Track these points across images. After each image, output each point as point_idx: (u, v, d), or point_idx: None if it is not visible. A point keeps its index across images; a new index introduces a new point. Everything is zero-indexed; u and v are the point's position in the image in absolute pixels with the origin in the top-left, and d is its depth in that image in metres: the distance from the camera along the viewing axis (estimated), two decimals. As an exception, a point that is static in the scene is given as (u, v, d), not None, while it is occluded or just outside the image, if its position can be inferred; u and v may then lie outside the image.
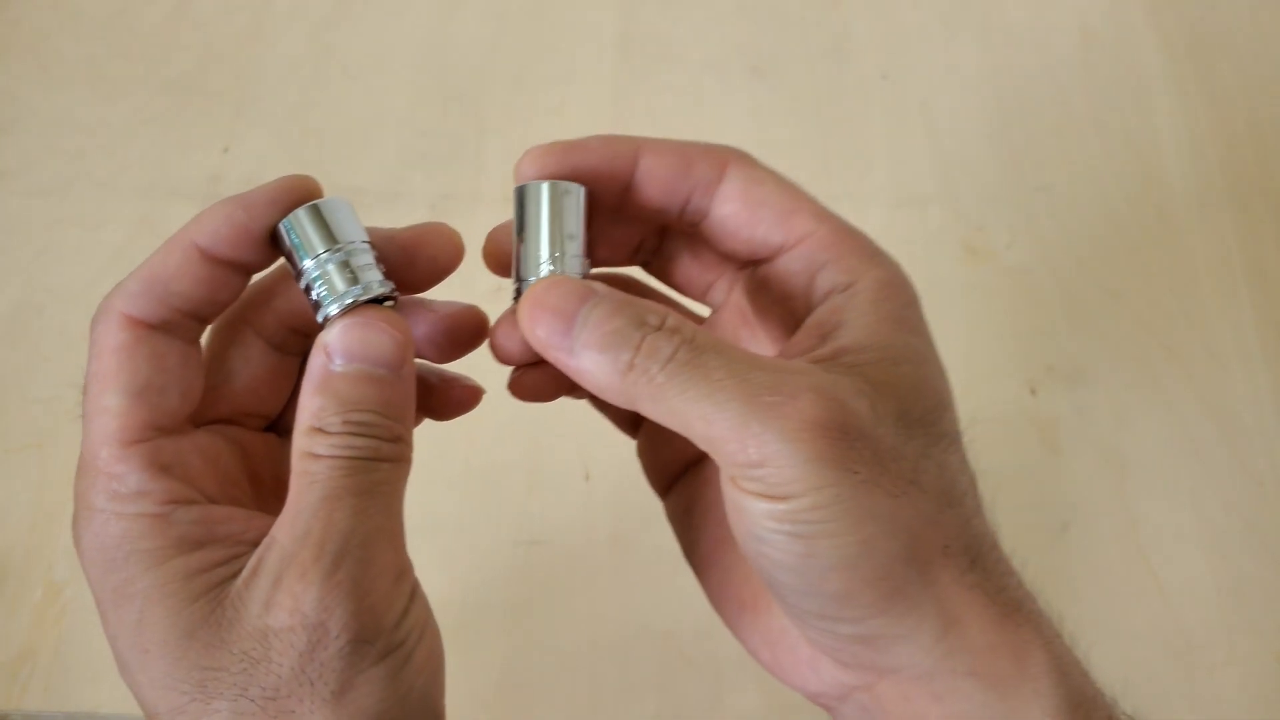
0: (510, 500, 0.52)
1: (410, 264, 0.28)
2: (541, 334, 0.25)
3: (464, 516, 0.51)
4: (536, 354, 0.27)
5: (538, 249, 0.28)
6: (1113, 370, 0.56)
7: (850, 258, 0.28)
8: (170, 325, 0.27)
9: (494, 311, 0.29)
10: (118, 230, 0.59)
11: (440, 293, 0.30)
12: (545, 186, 0.28)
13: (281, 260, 0.28)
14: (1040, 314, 0.58)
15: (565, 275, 0.27)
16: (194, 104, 0.64)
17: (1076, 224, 0.60)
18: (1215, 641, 0.49)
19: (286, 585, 0.24)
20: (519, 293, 0.28)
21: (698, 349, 0.25)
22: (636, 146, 0.29)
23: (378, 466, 0.26)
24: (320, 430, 0.25)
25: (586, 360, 0.25)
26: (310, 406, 0.26)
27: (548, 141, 0.28)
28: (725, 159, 0.29)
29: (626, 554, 0.50)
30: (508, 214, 0.29)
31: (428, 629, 0.26)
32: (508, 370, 0.29)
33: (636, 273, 0.33)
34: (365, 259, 0.27)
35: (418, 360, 0.29)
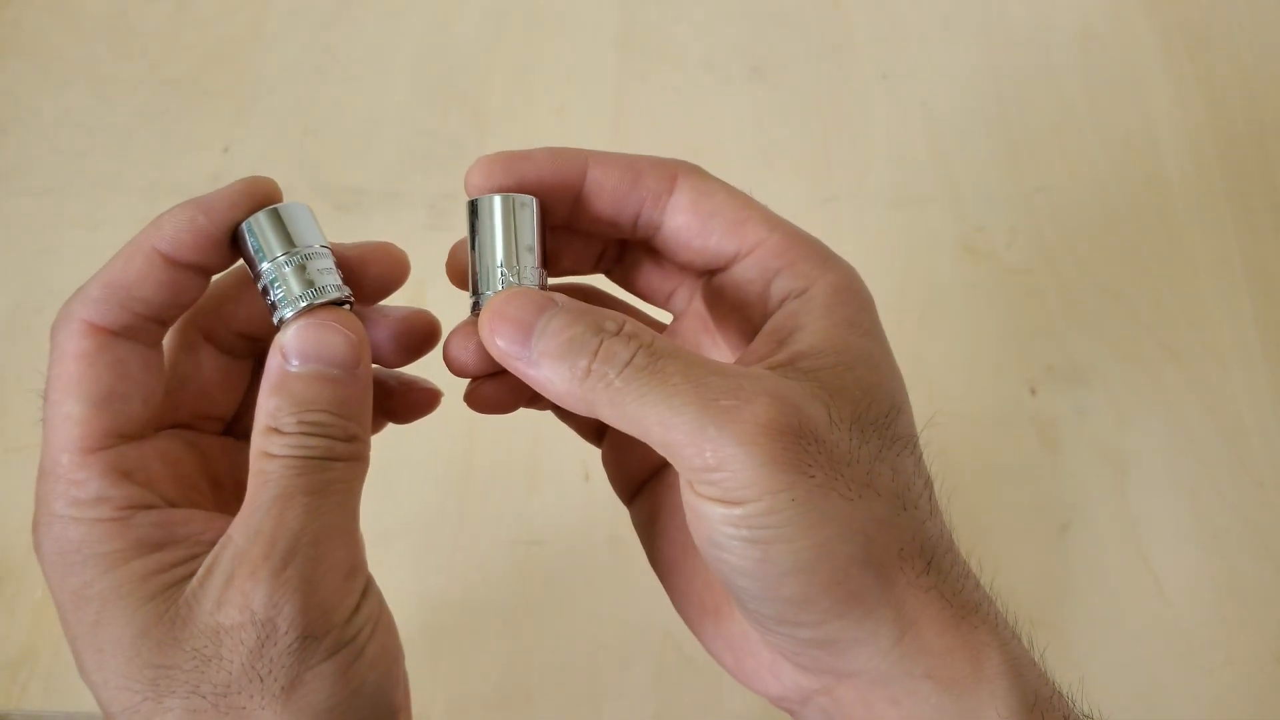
0: (510, 500, 0.52)
1: (355, 282, 0.29)
2: (502, 345, 0.26)
3: (464, 516, 0.51)
4: (491, 365, 0.27)
5: (494, 262, 0.28)
6: (1113, 370, 0.56)
7: (803, 263, 0.28)
8: (132, 330, 0.27)
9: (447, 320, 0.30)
10: (118, 230, 0.59)
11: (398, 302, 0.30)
12: (498, 200, 0.28)
13: (233, 266, 0.29)
14: (1040, 314, 0.58)
15: (523, 287, 0.28)
16: (194, 104, 0.64)
17: (1076, 224, 0.60)
18: (1215, 641, 0.49)
19: (237, 583, 0.24)
20: (476, 306, 0.28)
21: (655, 354, 0.25)
22: (584, 159, 0.29)
23: (331, 465, 0.26)
24: (276, 430, 0.26)
25: (545, 368, 0.25)
26: (266, 407, 0.26)
27: (495, 152, 0.29)
28: (674, 171, 0.29)
29: (626, 554, 0.50)
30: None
31: (380, 624, 0.27)
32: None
33: (600, 281, 0.33)
34: (323, 263, 0.28)
35: (375, 365, 0.29)
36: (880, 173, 0.62)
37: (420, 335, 0.30)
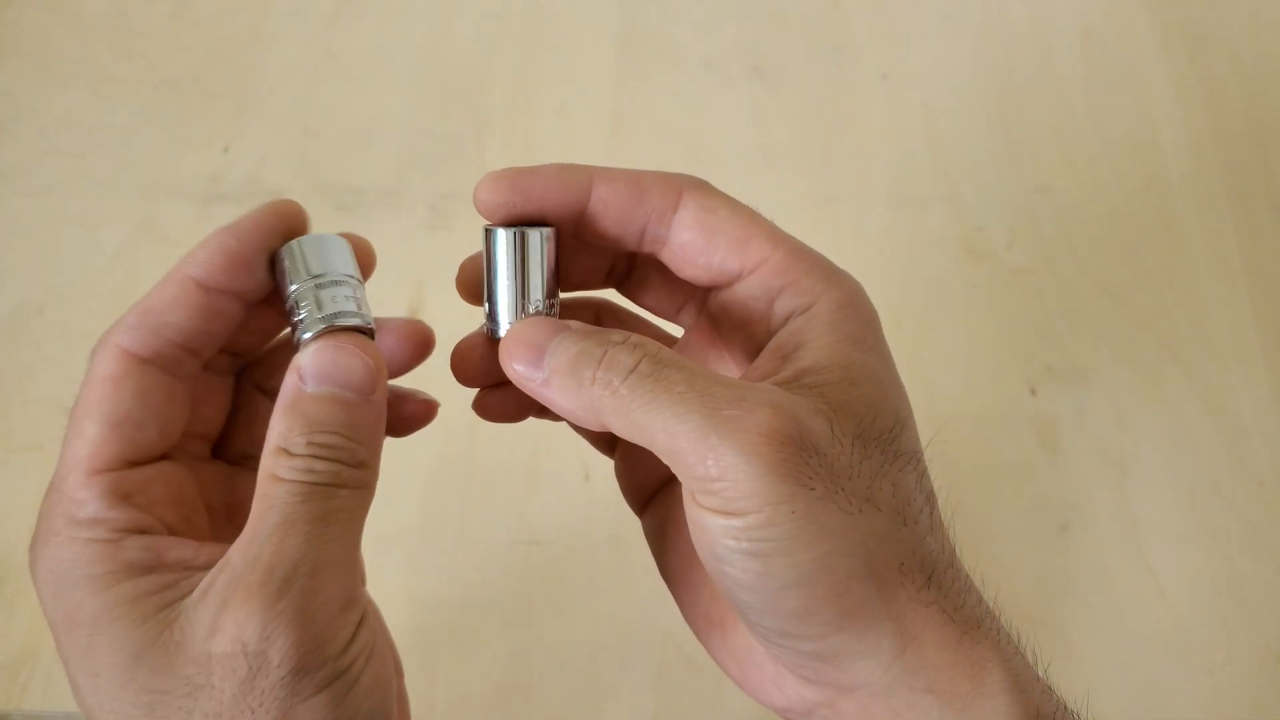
0: (510, 500, 0.52)
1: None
2: (519, 369, 0.27)
3: (464, 516, 0.51)
4: (496, 376, 0.28)
5: (512, 295, 0.29)
6: (1113, 370, 0.56)
7: (807, 280, 0.28)
8: (163, 359, 0.27)
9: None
10: (118, 230, 0.59)
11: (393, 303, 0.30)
12: (516, 233, 0.29)
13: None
14: (1040, 314, 0.58)
15: (539, 317, 0.28)
16: (194, 104, 0.64)
17: (1076, 224, 0.60)
18: (1215, 641, 0.49)
19: (231, 610, 0.24)
20: (492, 331, 0.29)
21: (659, 363, 0.25)
22: (590, 175, 0.29)
23: (336, 493, 0.26)
24: (285, 451, 0.26)
25: (555, 385, 0.26)
26: (278, 427, 0.26)
27: (504, 167, 0.29)
28: (679, 187, 0.29)
29: (626, 554, 0.51)
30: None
31: (375, 652, 0.26)
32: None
33: (612, 296, 0.34)
34: (350, 292, 0.28)
35: None
36: (880, 173, 0.62)
37: (416, 345, 0.30)
